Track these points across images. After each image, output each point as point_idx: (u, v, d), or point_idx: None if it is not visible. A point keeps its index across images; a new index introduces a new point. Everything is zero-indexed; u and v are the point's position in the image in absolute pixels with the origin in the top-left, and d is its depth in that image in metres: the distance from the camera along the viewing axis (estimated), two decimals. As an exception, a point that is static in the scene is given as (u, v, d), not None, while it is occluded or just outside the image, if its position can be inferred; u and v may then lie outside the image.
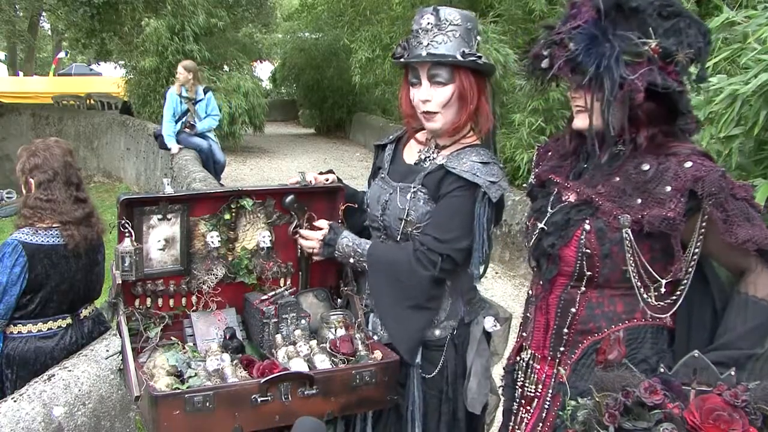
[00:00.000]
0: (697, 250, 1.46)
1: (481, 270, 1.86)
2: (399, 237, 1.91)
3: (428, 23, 1.80)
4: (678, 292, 1.50)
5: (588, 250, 1.52)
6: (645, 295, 1.51)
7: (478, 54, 1.81)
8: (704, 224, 1.44)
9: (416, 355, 1.89)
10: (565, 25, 1.47)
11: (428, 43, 1.79)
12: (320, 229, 2.03)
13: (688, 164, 1.43)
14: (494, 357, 2.05)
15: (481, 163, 1.83)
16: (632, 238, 1.47)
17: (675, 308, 1.51)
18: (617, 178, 1.52)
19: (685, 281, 1.49)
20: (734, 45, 2.93)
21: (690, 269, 1.47)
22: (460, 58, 1.78)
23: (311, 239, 2.02)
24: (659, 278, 1.49)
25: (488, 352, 2.00)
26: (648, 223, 1.44)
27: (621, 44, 1.39)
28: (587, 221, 1.53)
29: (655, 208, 1.44)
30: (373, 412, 1.98)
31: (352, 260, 1.96)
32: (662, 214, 1.42)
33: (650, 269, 1.48)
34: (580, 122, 1.54)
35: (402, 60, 1.86)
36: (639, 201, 1.47)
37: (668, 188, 1.43)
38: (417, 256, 1.82)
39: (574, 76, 1.45)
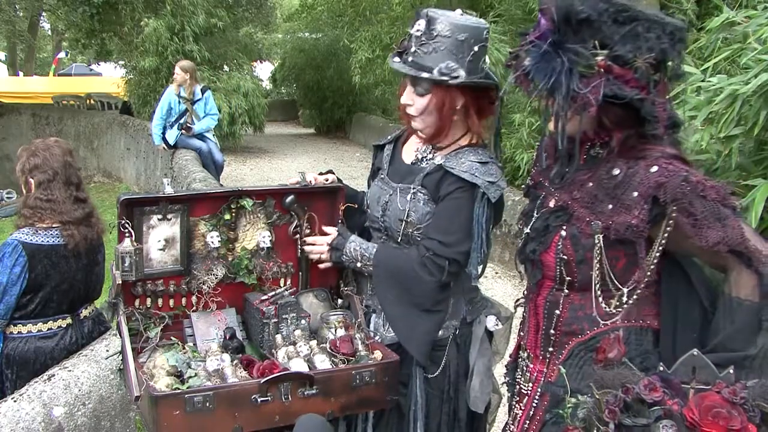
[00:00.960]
0: (657, 254, 1.46)
1: (480, 270, 1.86)
2: (400, 238, 1.91)
3: (418, 30, 1.76)
4: (636, 296, 1.50)
5: (565, 256, 1.54)
6: (603, 303, 1.52)
7: (458, 74, 1.72)
8: (668, 230, 1.42)
9: (428, 357, 1.89)
10: (532, 34, 1.46)
11: (415, 50, 1.77)
12: (326, 235, 2.03)
13: (654, 169, 1.42)
14: (496, 356, 2.06)
15: (479, 162, 1.82)
16: (602, 244, 1.48)
17: (618, 317, 1.51)
18: (591, 184, 1.52)
19: (641, 288, 1.48)
20: (734, 45, 2.92)
21: (648, 274, 1.47)
22: (436, 75, 1.73)
23: (319, 245, 2.02)
24: (621, 286, 1.50)
25: (490, 351, 2.01)
26: (614, 230, 1.45)
27: (572, 58, 1.37)
28: (564, 227, 1.54)
29: (622, 214, 1.44)
30: (375, 412, 1.98)
31: (359, 264, 1.95)
32: (627, 221, 1.42)
33: (613, 276, 1.49)
34: (551, 125, 1.54)
35: (391, 62, 1.85)
36: (610, 206, 1.47)
37: (635, 194, 1.43)
38: (423, 262, 1.82)
39: (532, 88, 1.45)
